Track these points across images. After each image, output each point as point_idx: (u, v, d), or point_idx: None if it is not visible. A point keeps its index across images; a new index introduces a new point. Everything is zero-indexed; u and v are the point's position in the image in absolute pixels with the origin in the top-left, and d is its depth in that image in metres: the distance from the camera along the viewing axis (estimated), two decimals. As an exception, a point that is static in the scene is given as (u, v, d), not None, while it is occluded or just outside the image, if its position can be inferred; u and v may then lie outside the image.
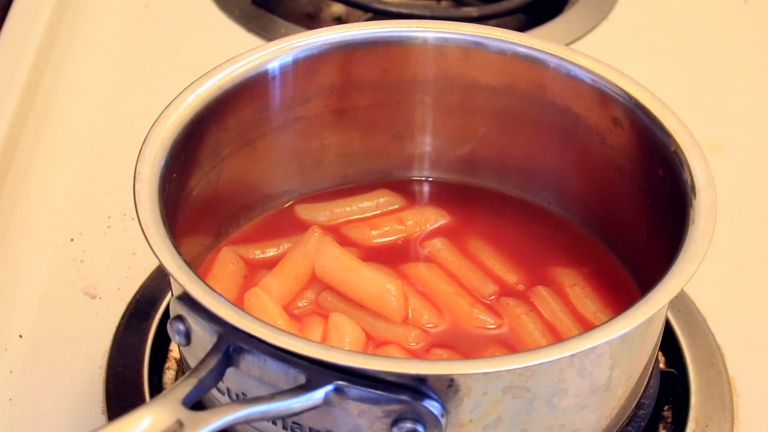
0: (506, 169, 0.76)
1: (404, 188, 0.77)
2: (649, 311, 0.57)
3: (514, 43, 0.71)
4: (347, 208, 0.75)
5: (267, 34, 1.00)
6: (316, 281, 0.70)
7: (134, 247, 0.80)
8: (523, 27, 1.07)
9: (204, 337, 0.57)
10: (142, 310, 0.75)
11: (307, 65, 0.71)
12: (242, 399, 0.57)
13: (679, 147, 0.65)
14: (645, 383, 0.65)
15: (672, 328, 0.75)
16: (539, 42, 0.71)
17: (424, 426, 0.54)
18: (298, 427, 0.56)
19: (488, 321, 0.69)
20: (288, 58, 0.70)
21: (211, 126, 0.68)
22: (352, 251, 0.71)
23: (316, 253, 0.70)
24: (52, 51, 0.97)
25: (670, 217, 0.64)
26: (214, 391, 0.58)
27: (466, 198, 0.76)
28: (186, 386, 0.54)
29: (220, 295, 0.56)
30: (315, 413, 0.55)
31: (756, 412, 0.72)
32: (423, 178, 0.78)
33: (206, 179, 0.69)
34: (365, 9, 1.05)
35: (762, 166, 0.91)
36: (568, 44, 0.99)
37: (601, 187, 0.72)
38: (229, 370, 0.56)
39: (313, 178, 0.76)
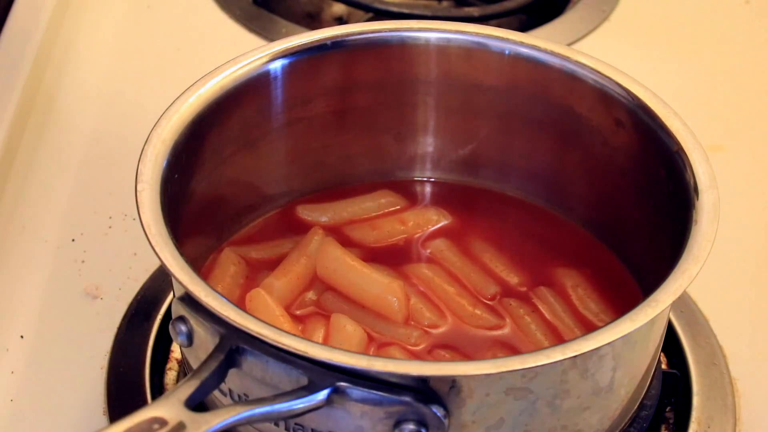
0: (508, 170, 0.76)
1: (406, 189, 0.77)
2: (652, 313, 0.57)
3: (516, 44, 0.71)
4: (349, 209, 0.75)
5: (268, 34, 1.00)
6: (317, 282, 0.70)
7: (136, 247, 0.80)
8: (524, 27, 1.07)
9: (206, 338, 0.57)
10: (144, 310, 0.75)
11: (308, 65, 0.71)
12: (244, 400, 0.57)
13: (682, 148, 0.65)
14: (647, 384, 0.65)
15: (674, 329, 0.75)
16: (541, 42, 0.71)
17: (427, 427, 0.54)
18: (300, 428, 0.56)
19: (490, 322, 0.69)
20: (289, 59, 0.70)
21: (213, 126, 0.68)
22: (353, 252, 0.71)
23: (318, 253, 0.70)
24: (53, 51, 0.97)
25: (672, 218, 0.64)
26: (217, 393, 0.58)
27: (467, 199, 0.76)
28: (188, 387, 0.54)
29: (222, 295, 0.56)
30: (317, 414, 0.55)
31: (758, 413, 0.72)
32: (425, 179, 0.78)
33: (208, 180, 0.69)
34: (366, 9, 1.05)
35: (764, 166, 0.91)
36: (569, 44, 0.99)
37: (603, 188, 0.72)
38: (232, 371, 0.56)
39: (314, 178, 0.76)
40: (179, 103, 0.66)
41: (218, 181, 0.70)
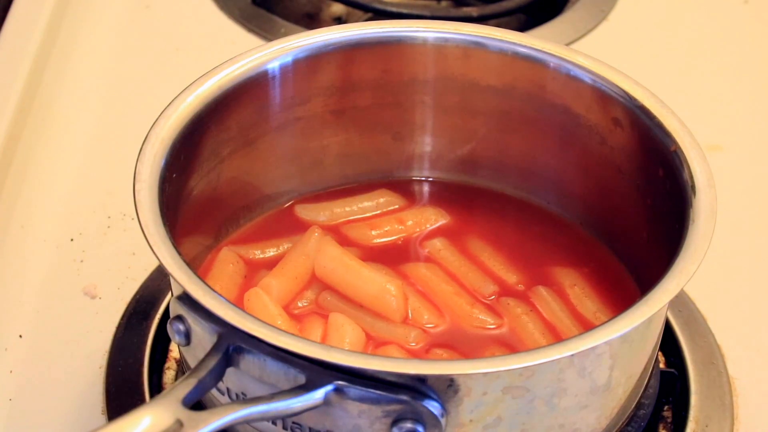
0: (506, 169, 0.76)
1: (404, 188, 0.77)
2: (649, 311, 0.57)
3: (514, 43, 0.71)
4: (347, 208, 0.75)
5: (267, 34, 1.00)
6: (316, 281, 0.70)
7: (134, 247, 0.80)
8: (522, 27, 1.07)
9: (204, 337, 0.57)
10: (142, 310, 0.75)
11: (307, 65, 0.71)
12: (242, 399, 0.57)
13: (679, 147, 0.65)
14: (645, 383, 0.65)
15: (672, 328, 0.75)
16: (539, 42, 0.71)
17: (424, 426, 0.54)
18: (298, 427, 0.56)
19: (488, 321, 0.69)
20: (288, 58, 0.70)
21: (211, 126, 0.68)
22: (352, 251, 0.71)
23: (316, 253, 0.70)
24: (52, 51, 0.97)
25: (670, 217, 0.64)
26: (214, 391, 0.58)
27: (466, 198, 0.76)
28: (186, 386, 0.54)
29: (220, 295, 0.56)
30: (315, 413, 0.55)
31: (756, 412, 0.72)
32: (423, 178, 0.78)
33: (206, 179, 0.69)
34: (365, 9, 1.05)
35: (762, 166, 0.91)
36: (568, 44, 0.99)
37: (601, 187, 0.72)
38: (229, 370, 0.56)
39: (313, 178, 0.76)
40: (178, 103, 0.66)
41: (216, 181, 0.70)
